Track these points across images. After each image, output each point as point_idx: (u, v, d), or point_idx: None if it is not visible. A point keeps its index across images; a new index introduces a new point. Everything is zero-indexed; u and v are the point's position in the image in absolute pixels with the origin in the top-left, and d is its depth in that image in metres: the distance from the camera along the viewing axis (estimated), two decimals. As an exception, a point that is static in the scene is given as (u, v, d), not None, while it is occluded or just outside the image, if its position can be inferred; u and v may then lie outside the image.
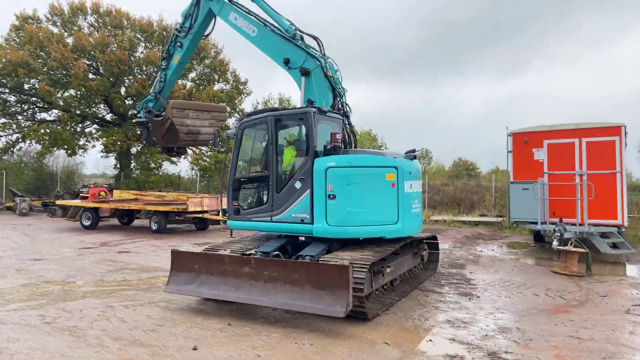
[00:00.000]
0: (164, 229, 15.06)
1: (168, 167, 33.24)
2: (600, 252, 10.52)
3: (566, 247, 9.21)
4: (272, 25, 8.59)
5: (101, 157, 31.88)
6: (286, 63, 8.30)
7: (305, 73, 8.02)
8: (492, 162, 38.40)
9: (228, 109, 33.62)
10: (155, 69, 27.53)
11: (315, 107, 7.28)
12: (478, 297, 7.15)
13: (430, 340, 5.17)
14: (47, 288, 7.51)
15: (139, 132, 15.87)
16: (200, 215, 15.14)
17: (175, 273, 6.50)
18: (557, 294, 7.38)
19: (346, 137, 7.99)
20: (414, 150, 7.56)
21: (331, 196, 6.56)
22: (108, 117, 30.78)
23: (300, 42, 8.29)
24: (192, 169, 36.04)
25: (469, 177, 35.42)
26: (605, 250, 10.47)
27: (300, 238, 7.47)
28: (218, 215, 15.59)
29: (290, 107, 8.16)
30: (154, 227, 15.04)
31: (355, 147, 8.35)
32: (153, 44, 29.37)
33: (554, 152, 11.88)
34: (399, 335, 5.35)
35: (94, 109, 29.58)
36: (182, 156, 12.06)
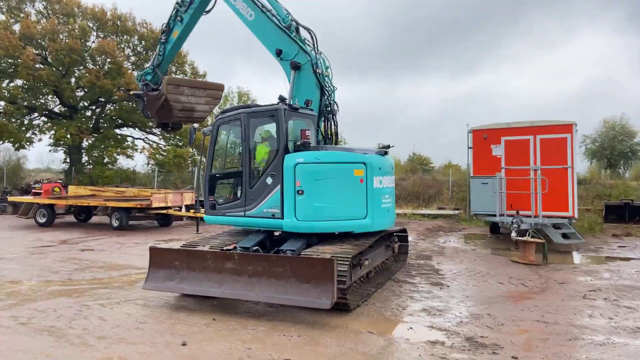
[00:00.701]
0: (126, 226, 14.66)
1: (123, 162, 32.19)
2: (553, 242, 11.24)
3: (524, 238, 9.80)
4: (270, 12, 8.35)
5: (49, 150, 30.41)
6: (278, 54, 8.18)
7: (296, 67, 7.95)
8: (445, 157, 39.72)
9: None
10: (110, 59, 26.59)
11: (286, 104, 7.37)
12: (448, 286, 7.52)
13: (411, 328, 5.43)
14: (13, 288, 7.22)
15: (135, 105, 15.43)
16: (164, 212, 14.85)
17: (155, 270, 6.44)
18: (519, 281, 7.87)
19: (330, 134, 8.13)
20: (387, 146, 7.80)
21: (300, 192, 6.72)
22: (57, 108, 29.40)
23: (294, 34, 8.15)
24: (148, 163, 35.13)
25: (424, 171, 36.52)
26: (558, 241, 11.21)
27: (276, 233, 7.61)
28: (181, 211, 15.37)
29: (263, 105, 8.11)
30: (115, 223, 14.61)
31: (336, 144, 8.46)
32: (106, 33, 28.26)
33: (510, 148, 12.54)
34: (381, 324, 5.58)
35: (42, 100, 28.17)
36: (176, 131, 11.83)
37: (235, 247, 6.94)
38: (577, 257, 10.53)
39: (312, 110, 8.06)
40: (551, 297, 6.86)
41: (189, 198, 15.71)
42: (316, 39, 8.29)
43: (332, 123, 8.24)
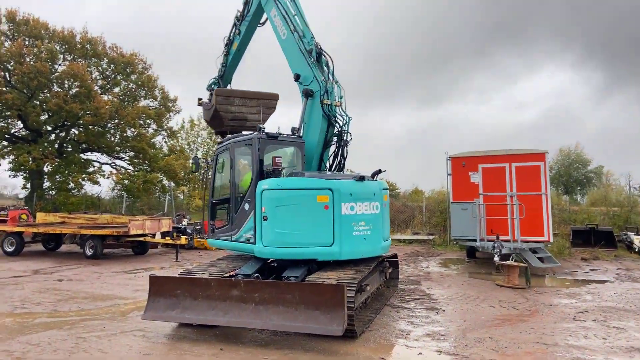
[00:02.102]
0: (100, 254, 14.11)
1: (87, 188, 31.08)
2: (531, 266, 11.64)
3: (508, 262, 10.13)
4: (297, 33, 8.34)
5: (9, 176, 29.01)
6: (296, 78, 8.22)
7: (307, 94, 7.98)
8: (412, 183, 40.65)
9: (154, 126, 32.50)
10: (79, 82, 25.98)
11: (264, 133, 7.63)
12: (444, 310, 7.66)
13: (421, 353, 5.50)
14: (-3, 322, 6.83)
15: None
16: (141, 239, 14.42)
17: (155, 299, 6.26)
18: (509, 305, 8.11)
19: (337, 162, 8.21)
20: (379, 171, 7.90)
21: (264, 217, 6.83)
22: (19, 132, 28.30)
23: (312, 60, 8.09)
24: (114, 189, 34.10)
25: (391, 197, 37.27)
26: (536, 264, 11.62)
27: (269, 260, 7.57)
28: (155, 238, 14.94)
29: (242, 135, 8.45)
30: (89, 252, 14.03)
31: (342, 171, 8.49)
32: (74, 56, 27.70)
33: (488, 175, 13.04)
34: (390, 350, 5.62)
35: (4, 124, 27.06)
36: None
37: (235, 275, 6.86)
38: (555, 281, 10.93)
39: (298, 137, 8.20)
40: (543, 320, 7.11)
41: (166, 225, 15.35)
42: (333, 67, 8.21)
43: (340, 153, 8.17)
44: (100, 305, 8.04)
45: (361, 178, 7.22)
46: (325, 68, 8.19)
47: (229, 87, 10.75)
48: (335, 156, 8.15)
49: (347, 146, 8.17)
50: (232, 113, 9.39)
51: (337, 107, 8.08)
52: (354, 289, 5.88)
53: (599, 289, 9.63)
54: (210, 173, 8.62)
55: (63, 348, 5.59)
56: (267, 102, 9.80)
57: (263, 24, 9.91)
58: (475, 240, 12.41)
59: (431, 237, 19.78)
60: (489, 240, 12.02)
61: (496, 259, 10.84)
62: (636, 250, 15.76)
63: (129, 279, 10.79)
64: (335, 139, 8.15)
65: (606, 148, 71.42)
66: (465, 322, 6.95)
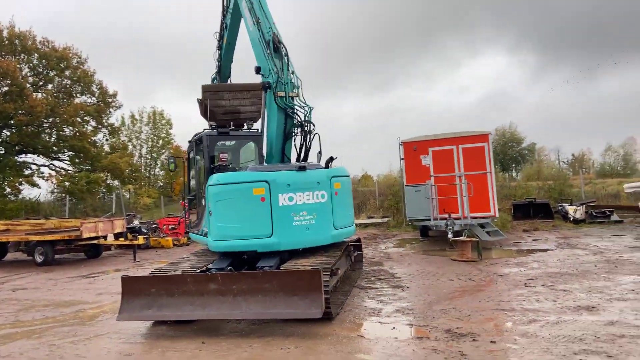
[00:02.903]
0: (52, 261, 13.53)
1: (25, 192, 29.32)
2: (480, 240, 12.44)
3: (461, 238, 10.80)
4: (260, 24, 8.17)
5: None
6: (257, 71, 8.09)
7: (264, 88, 7.90)
8: (362, 169, 41.56)
9: (94, 123, 31.08)
10: (10, 81, 24.36)
11: (215, 129, 7.99)
12: (408, 287, 8.12)
13: (394, 328, 5.86)
14: (-44, 337, 6.51)
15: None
16: (94, 242, 13.95)
17: (129, 299, 6.21)
18: (466, 277, 8.71)
19: (303, 152, 8.21)
20: (330, 159, 7.95)
21: (210, 212, 7.08)
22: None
23: (268, 51, 7.92)
24: (53, 192, 32.42)
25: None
26: (484, 238, 12.43)
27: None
28: (113, 240, 14.53)
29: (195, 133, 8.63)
30: (39, 259, 13.42)
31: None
32: (2, 52, 25.88)
33: (438, 158, 13.71)
34: (366, 328, 5.95)
35: None
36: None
37: (208, 269, 6.92)
38: (504, 252, 11.77)
39: (254, 131, 8.35)
40: (498, 288, 7.72)
41: (119, 226, 14.93)
42: (287, 58, 8.03)
43: (304, 144, 8.11)
44: (64, 311, 7.83)
45: (301, 168, 7.18)
46: (285, 59, 8.01)
47: (229, 81, 10.61)
48: (301, 147, 8.18)
49: (309, 136, 8.04)
50: (223, 107, 9.26)
51: (294, 99, 7.93)
52: (328, 273, 6.14)
53: (543, 257, 10.50)
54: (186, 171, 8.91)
55: (38, 357, 5.47)
56: (258, 92, 9.51)
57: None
58: (429, 220, 13.06)
59: (385, 219, 20.48)
60: (442, 219, 12.71)
61: (450, 235, 11.52)
62: (571, 219, 17.18)
63: (88, 283, 10.50)
64: (297, 130, 8.08)
65: (539, 125, 76.21)
66: (429, 296, 7.42)
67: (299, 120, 8.03)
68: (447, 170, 13.45)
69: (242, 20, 9.08)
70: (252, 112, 9.19)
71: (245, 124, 9.05)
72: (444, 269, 9.56)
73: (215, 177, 7.08)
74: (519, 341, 5.08)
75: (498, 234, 12.88)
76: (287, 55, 8.06)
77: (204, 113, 9.34)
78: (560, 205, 18.89)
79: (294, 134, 8.12)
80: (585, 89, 78.99)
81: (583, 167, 52.19)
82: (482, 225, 12.95)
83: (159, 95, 69.75)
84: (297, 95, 7.94)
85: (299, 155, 8.19)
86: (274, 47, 7.98)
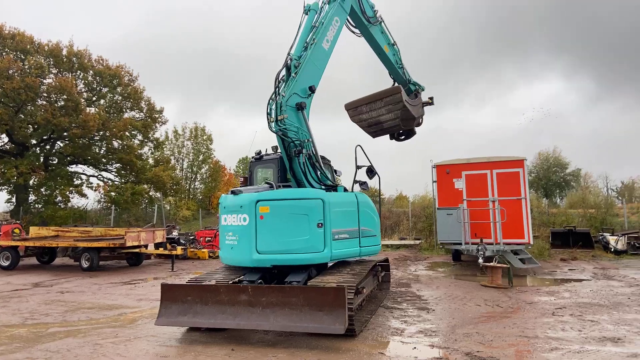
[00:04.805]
0: (97, 267, 14.37)
1: (74, 201, 31.01)
2: (513, 267, 12.32)
3: (492, 264, 10.77)
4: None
5: (-5, 190, 28.86)
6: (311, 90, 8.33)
7: (300, 108, 8.02)
8: (396, 190, 41.36)
9: (140, 137, 32.64)
10: (67, 96, 26.08)
11: (255, 155, 8.82)
12: (434, 310, 8.22)
13: (415, 347, 6.02)
14: (12, 331, 7.15)
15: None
16: (136, 250, 14.71)
17: (167, 305, 6.66)
18: (494, 303, 8.71)
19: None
20: (269, 185, 7.96)
21: None
22: (4, 147, 28.23)
23: (282, 76, 8.19)
24: (100, 201, 34.10)
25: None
26: (518, 265, 12.31)
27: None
28: (154, 249, 15.27)
29: None
30: (85, 264, 14.27)
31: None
32: (61, 69, 27.82)
33: (471, 182, 13.74)
34: (387, 346, 6.14)
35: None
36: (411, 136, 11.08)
37: (240, 281, 7.31)
38: (536, 281, 11.61)
39: (277, 153, 8.57)
40: (525, 315, 7.71)
41: (160, 236, 15.66)
42: (277, 81, 8.12)
43: (298, 159, 7.96)
44: (107, 314, 8.40)
45: (233, 192, 7.64)
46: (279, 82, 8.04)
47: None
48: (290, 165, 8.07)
49: (298, 157, 7.82)
50: (366, 121, 9.51)
51: (283, 121, 7.79)
52: (353, 291, 6.39)
53: (577, 287, 10.32)
54: None
55: (82, 354, 5.96)
56: (390, 98, 9.40)
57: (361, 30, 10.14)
58: (460, 244, 13.05)
59: (418, 241, 20.43)
60: (473, 244, 12.68)
61: (480, 261, 11.49)
62: (612, 250, 16.63)
63: (129, 289, 11.12)
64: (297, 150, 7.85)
65: (588, 152, 73.66)
66: (453, 319, 7.51)
67: (291, 140, 7.85)
68: (481, 195, 13.44)
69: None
70: (392, 120, 9.19)
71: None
72: (472, 294, 9.58)
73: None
74: (538, 368, 5.15)
75: (532, 262, 12.70)
76: (278, 77, 8.09)
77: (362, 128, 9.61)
78: (601, 235, 18.30)
79: (294, 153, 7.88)
80: (638, 116, 76.11)
81: (633, 196, 49.93)
82: (515, 252, 12.82)
83: (196, 111, 73.03)
84: (286, 117, 7.77)
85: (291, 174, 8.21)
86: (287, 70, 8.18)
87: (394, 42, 10.65)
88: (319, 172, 8.14)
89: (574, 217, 22.64)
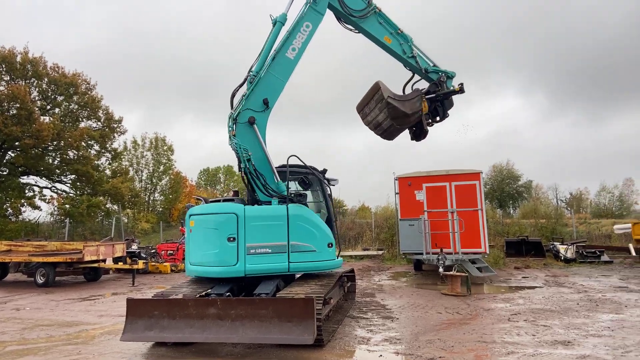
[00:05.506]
0: (52, 282, 13.84)
1: (25, 214, 29.66)
2: (471, 275, 12.82)
3: (451, 273, 11.19)
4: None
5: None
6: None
7: (252, 123, 7.96)
8: (358, 201, 42.00)
9: (97, 147, 31.69)
10: (19, 104, 25.06)
11: None
12: (397, 318, 8.49)
13: (381, 355, 6.23)
14: (-34, 352, 6.84)
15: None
16: (95, 265, 14.29)
17: (132, 320, 6.57)
18: (454, 310, 9.08)
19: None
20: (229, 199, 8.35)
21: None
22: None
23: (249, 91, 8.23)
24: (52, 214, 32.80)
25: (339, 214, 38.42)
26: (475, 274, 12.82)
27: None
28: (112, 263, 14.87)
29: None
30: (40, 280, 13.73)
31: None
32: (14, 77, 26.75)
33: (431, 194, 14.25)
34: (354, 354, 6.32)
35: None
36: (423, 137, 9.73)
37: (208, 294, 7.32)
38: (492, 288, 12.14)
39: None
40: (483, 322, 8.10)
41: (120, 250, 15.28)
42: (232, 96, 8.41)
43: (246, 176, 8.08)
44: (68, 331, 8.16)
45: (189, 206, 8.12)
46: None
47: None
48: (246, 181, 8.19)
49: (242, 173, 8.02)
50: (371, 123, 9.11)
51: (234, 137, 7.87)
52: (321, 301, 6.55)
53: (530, 293, 10.88)
54: None
55: (45, 372, 5.81)
56: (377, 96, 8.94)
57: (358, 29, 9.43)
58: (421, 254, 13.47)
59: (380, 252, 20.83)
60: (433, 253, 13.12)
61: (441, 270, 11.91)
62: (562, 258, 17.57)
63: (89, 305, 10.81)
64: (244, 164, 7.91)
65: (541, 165, 77.20)
66: (417, 327, 7.79)
67: (239, 155, 7.90)
68: (440, 206, 13.96)
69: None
70: (387, 119, 8.76)
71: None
72: (433, 302, 9.93)
73: None
74: (496, 370, 5.46)
75: (488, 270, 13.26)
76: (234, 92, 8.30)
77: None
78: (552, 244, 19.29)
79: (243, 169, 7.99)
80: (588, 131, 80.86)
81: (581, 207, 52.60)
82: (473, 261, 13.35)
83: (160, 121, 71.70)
84: (234, 134, 7.86)
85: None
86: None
87: (400, 29, 9.51)
88: (261, 186, 7.97)
89: (527, 226, 23.74)
